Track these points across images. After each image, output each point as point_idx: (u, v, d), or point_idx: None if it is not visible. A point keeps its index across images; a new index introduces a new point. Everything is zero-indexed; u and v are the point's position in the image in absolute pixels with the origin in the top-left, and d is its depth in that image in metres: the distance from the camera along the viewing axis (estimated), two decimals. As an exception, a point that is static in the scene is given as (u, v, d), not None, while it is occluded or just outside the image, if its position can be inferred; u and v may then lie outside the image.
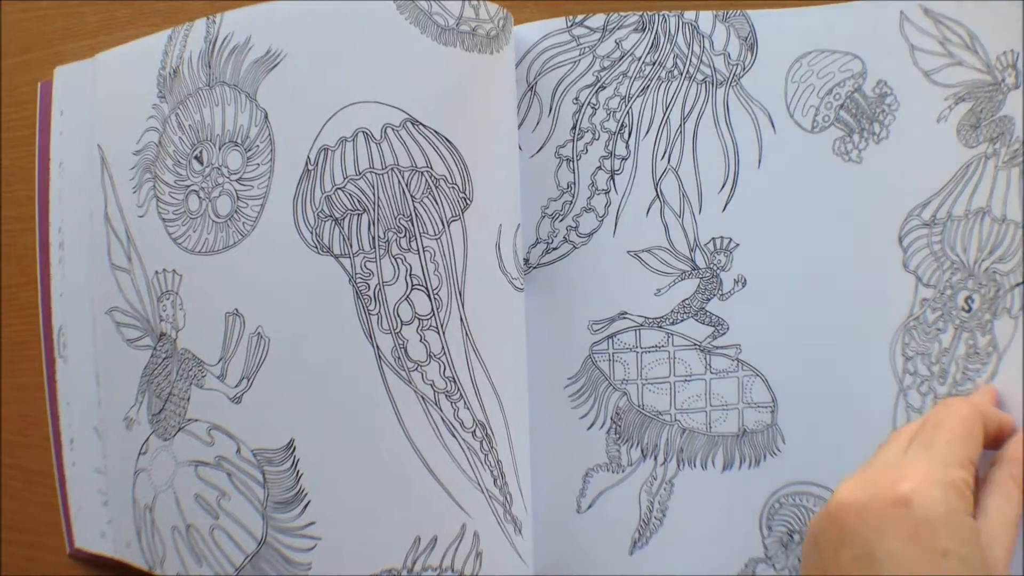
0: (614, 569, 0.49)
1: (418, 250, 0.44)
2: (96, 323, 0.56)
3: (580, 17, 0.48)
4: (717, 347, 0.47)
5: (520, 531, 0.47)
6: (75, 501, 0.60)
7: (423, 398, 0.45)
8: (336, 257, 0.45)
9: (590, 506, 0.49)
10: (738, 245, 0.47)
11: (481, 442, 0.46)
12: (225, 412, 0.48)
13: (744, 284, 0.47)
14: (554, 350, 0.49)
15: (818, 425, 0.47)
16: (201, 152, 0.49)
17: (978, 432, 0.38)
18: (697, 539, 0.48)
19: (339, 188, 0.45)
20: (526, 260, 0.49)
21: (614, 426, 0.48)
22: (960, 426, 0.37)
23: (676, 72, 0.47)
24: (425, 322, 0.45)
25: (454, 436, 0.45)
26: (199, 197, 0.49)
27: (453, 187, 0.45)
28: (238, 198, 0.47)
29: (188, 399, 0.49)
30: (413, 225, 0.44)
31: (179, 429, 0.50)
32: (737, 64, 0.47)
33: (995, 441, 0.40)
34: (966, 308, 0.45)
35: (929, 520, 0.33)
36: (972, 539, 0.33)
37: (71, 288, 0.59)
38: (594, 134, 0.48)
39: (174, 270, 0.50)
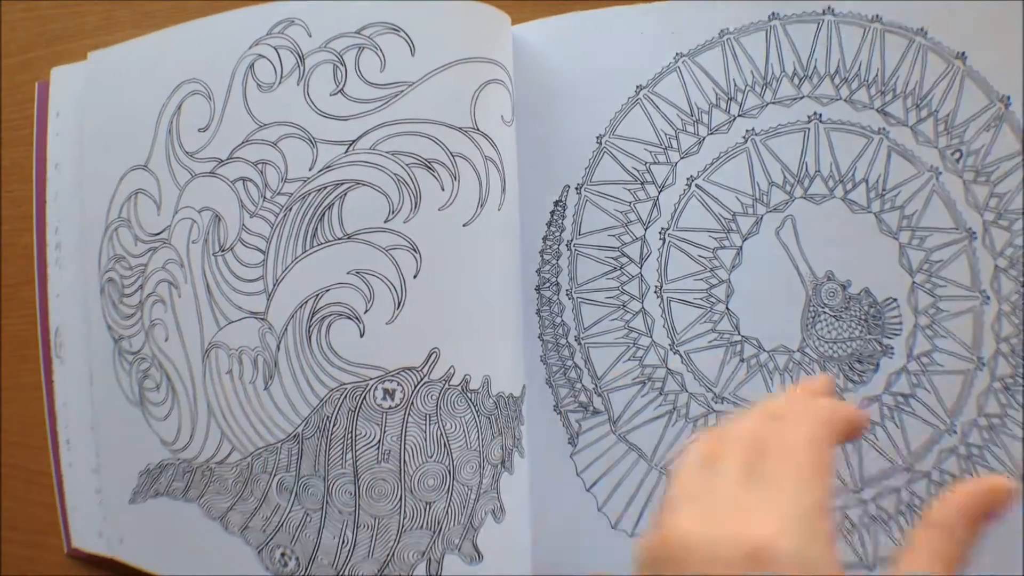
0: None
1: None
2: (90, 323, 0.56)
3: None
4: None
5: None
6: (72, 501, 0.60)
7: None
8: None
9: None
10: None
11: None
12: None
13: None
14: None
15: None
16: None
17: (828, 460, 0.30)
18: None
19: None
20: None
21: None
22: (807, 461, 0.30)
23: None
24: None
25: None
26: None
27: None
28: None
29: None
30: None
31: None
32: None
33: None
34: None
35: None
36: None
37: (67, 288, 0.59)
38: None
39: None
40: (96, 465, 0.57)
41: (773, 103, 0.47)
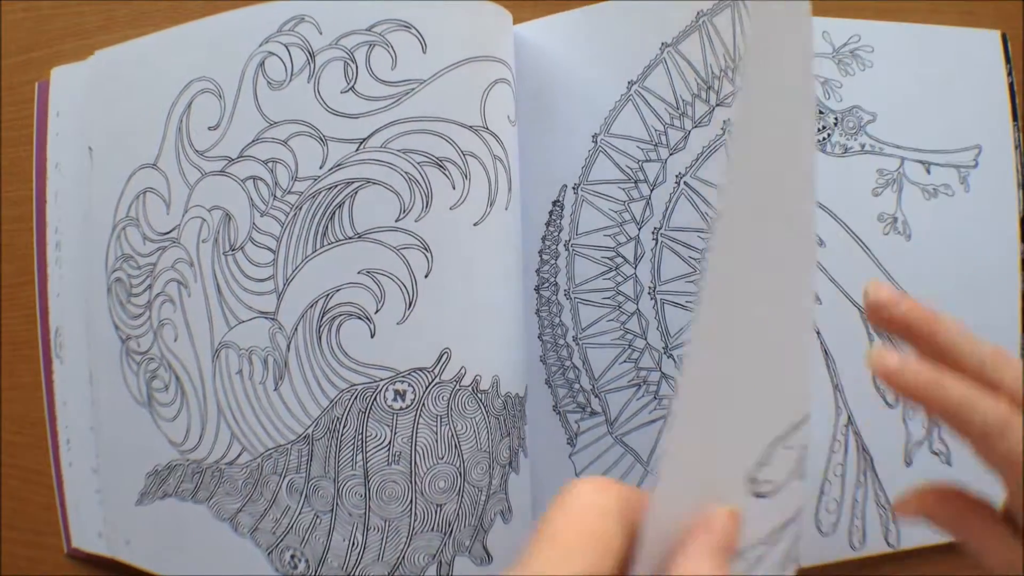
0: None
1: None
2: (90, 323, 0.55)
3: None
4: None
5: None
6: (72, 501, 0.60)
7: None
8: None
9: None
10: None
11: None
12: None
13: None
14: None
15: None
16: None
17: (609, 536, 0.25)
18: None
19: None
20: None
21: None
22: (573, 528, 0.25)
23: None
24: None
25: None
26: None
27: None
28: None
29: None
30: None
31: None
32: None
33: None
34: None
35: None
36: None
37: (68, 288, 0.58)
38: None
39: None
40: (96, 465, 0.57)
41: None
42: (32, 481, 0.63)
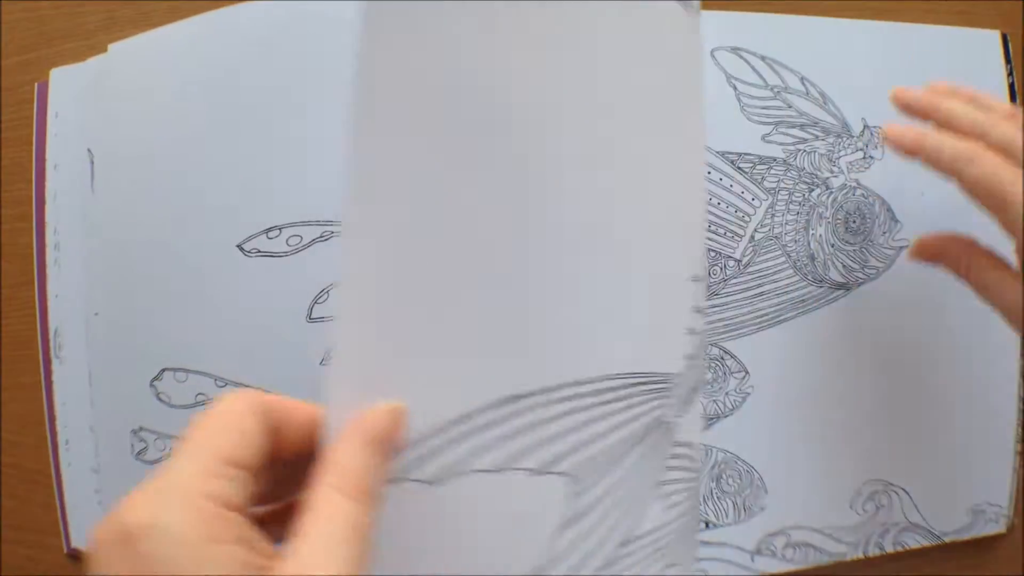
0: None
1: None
2: (89, 324, 0.56)
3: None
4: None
5: None
6: (72, 501, 0.60)
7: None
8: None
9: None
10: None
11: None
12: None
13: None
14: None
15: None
16: None
17: (245, 427, 0.28)
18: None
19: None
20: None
21: None
22: (211, 424, 0.28)
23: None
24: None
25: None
26: None
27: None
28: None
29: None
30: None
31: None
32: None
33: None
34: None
35: (156, 557, 0.25)
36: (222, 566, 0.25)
37: (66, 289, 0.58)
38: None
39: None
40: (96, 465, 0.57)
41: None
42: (32, 481, 0.63)
